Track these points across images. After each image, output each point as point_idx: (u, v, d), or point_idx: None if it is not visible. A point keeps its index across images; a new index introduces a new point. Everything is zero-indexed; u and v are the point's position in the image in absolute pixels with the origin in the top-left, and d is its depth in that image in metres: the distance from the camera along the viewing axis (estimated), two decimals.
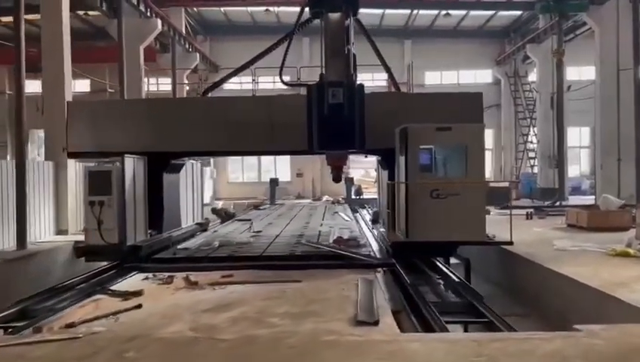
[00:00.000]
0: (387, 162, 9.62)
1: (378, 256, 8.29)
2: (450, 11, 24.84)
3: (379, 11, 25.67)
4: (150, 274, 6.90)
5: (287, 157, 27.35)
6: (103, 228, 8.42)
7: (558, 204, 18.86)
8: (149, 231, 9.50)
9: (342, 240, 9.05)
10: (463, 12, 25.53)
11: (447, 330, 5.03)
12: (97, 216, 8.44)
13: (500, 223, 13.14)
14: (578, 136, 29.08)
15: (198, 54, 23.39)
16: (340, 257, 7.61)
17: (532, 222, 13.66)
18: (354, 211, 16.00)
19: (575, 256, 8.28)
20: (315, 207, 18.22)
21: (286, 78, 10.23)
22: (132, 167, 8.83)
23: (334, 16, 9.20)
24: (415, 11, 25.49)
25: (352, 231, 10.82)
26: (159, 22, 17.81)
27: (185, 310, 5.17)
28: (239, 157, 27.39)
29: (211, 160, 27.61)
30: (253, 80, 13.23)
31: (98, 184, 8.56)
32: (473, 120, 9.12)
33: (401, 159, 8.49)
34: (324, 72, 9.17)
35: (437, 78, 29.17)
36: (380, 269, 7.35)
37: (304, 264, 7.28)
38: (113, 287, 6.28)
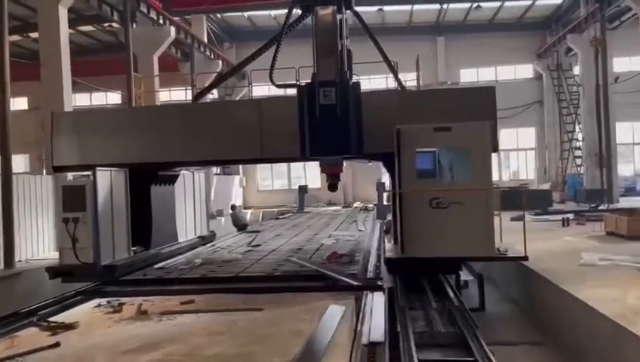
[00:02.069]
0: (389, 168, 8.63)
1: (371, 275, 7.36)
2: (482, 4, 23.37)
3: (407, 8, 24.56)
4: (105, 301, 6.24)
5: (316, 164, 26.57)
6: (77, 246, 7.89)
7: (605, 206, 17.18)
8: (134, 249, 8.94)
9: (335, 255, 8.15)
10: (497, 4, 24.03)
11: None
12: (72, 233, 7.95)
13: (533, 231, 11.92)
14: (631, 132, 26.86)
15: (220, 61, 22.98)
16: (322, 277, 6.73)
17: (568, 230, 12.30)
18: (383, 219, 14.97)
19: (603, 272, 7.07)
20: (337, 216, 17.32)
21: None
22: (109, 180, 8.27)
23: (325, 10, 8.37)
24: (446, 6, 24.20)
25: (357, 244, 9.90)
26: (172, 29, 17.46)
27: (105, 350, 4.46)
28: (269, 165, 26.84)
29: (240, 168, 27.26)
30: (250, 84, 12.55)
31: (72, 200, 8.04)
32: (485, 117, 8.00)
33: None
34: (315, 71, 8.35)
35: (473, 75, 27.70)
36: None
37: (277, 286, 6.47)
38: (56, 317, 5.66)
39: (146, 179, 9.41)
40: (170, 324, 5.22)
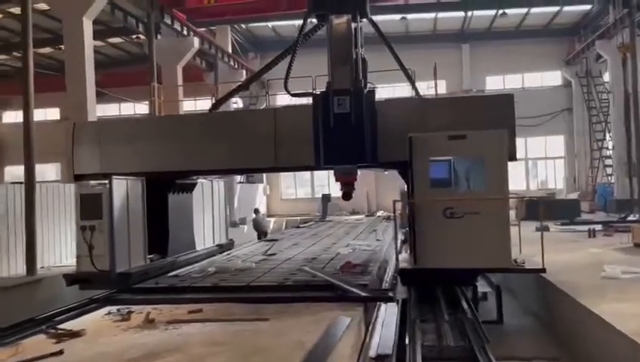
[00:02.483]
0: (404, 176, 8.50)
1: (387, 285, 7.26)
2: (508, 10, 23.03)
3: (430, 16, 24.38)
4: (115, 308, 6.30)
5: None
6: (94, 254, 8.03)
7: (635, 217, 16.62)
8: (150, 256, 9.03)
9: (349, 265, 8.06)
10: (523, 11, 23.65)
11: None
12: (88, 241, 8.08)
13: (558, 242, 11.62)
14: None
15: (244, 71, 23.21)
16: (332, 288, 6.66)
17: (594, 241, 11.93)
18: (405, 228, 14.78)
19: (624, 286, 6.80)
20: (358, 225, 17.20)
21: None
22: (124, 189, 8.38)
23: (339, 19, 8.37)
24: (470, 13, 23.93)
25: (373, 254, 9.79)
26: (196, 40, 17.68)
27: (108, 358, 4.48)
28: (292, 173, 26.90)
29: (264, 176, 27.38)
30: (267, 93, 12.57)
31: (89, 208, 8.18)
32: (503, 125, 7.82)
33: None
34: (330, 79, 8.34)
35: (499, 83, 27.28)
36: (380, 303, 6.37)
37: (287, 296, 6.42)
38: (65, 325, 5.72)
39: (163, 188, 9.51)
40: (176, 333, 5.22)
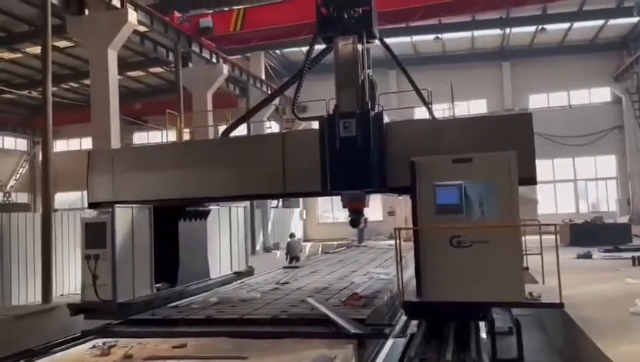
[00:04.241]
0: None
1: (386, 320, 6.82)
2: (549, 26, 22.19)
3: (467, 34, 23.80)
4: (102, 341, 6.14)
5: (378, 196, 26.03)
6: (98, 283, 7.97)
7: None
8: (158, 286, 8.91)
9: (355, 297, 7.64)
10: (565, 25, 22.74)
11: None
12: (93, 270, 8.04)
13: (596, 271, 10.75)
14: None
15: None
16: (327, 322, 6.27)
17: (637, 270, 10.95)
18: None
19: None
20: (390, 250, 16.61)
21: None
22: (129, 217, 8.33)
23: (344, 40, 8.13)
24: (508, 30, 23.23)
25: (388, 283, 9.30)
26: (225, 67, 17.87)
27: None
28: (329, 197, 26.62)
29: (300, 200, 27.23)
30: (281, 117, 12.41)
31: (94, 236, 8.17)
32: (522, 146, 7.29)
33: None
34: (337, 102, 8.10)
35: (543, 101, 26.24)
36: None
37: (278, 331, 6.09)
38: (45, 359, 5.61)
39: (172, 215, 9.43)
40: None
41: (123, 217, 8.18)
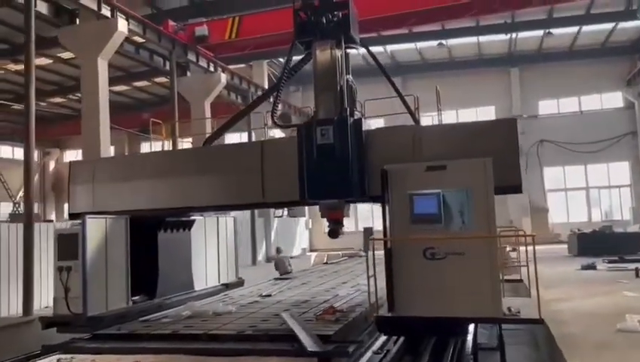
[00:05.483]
0: None
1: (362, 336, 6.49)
2: (557, 30, 21.71)
3: (473, 40, 23.39)
4: (64, 357, 5.94)
5: None
6: (70, 296, 7.78)
7: None
8: (135, 299, 8.69)
9: (330, 311, 7.34)
10: (572, 30, 22.23)
11: None
12: (64, 282, 7.86)
13: (595, 283, 10.27)
14: None
15: (280, 105, 23.16)
16: (293, 338, 5.98)
17: (639, 282, 10.46)
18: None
19: (638, 342, 5.66)
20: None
21: None
22: (103, 228, 8.15)
23: (322, 45, 7.89)
24: (514, 35, 22.78)
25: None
26: (223, 76, 17.75)
27: None
28: None
29: (306, 209, 26.95)
30: (265, 125, 12.13)
31: (66, 248, 7.99)
32: (506, 152, 6.99)
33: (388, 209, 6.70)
34: (315, 109, 7.88)
35: (553, 107, 25.66)
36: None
37: (239, 349, 5.83)
38: None
39: (151, 226, 9.24)
40: None
41: (96, 228, 8.00)
